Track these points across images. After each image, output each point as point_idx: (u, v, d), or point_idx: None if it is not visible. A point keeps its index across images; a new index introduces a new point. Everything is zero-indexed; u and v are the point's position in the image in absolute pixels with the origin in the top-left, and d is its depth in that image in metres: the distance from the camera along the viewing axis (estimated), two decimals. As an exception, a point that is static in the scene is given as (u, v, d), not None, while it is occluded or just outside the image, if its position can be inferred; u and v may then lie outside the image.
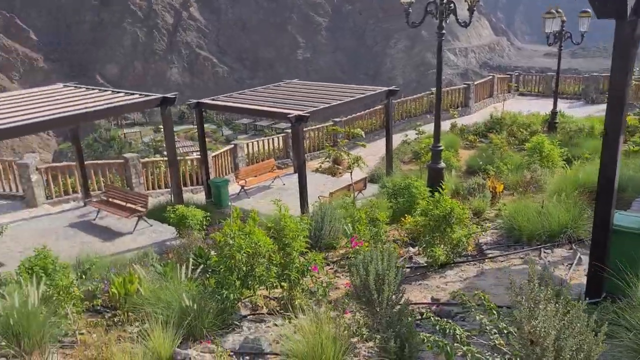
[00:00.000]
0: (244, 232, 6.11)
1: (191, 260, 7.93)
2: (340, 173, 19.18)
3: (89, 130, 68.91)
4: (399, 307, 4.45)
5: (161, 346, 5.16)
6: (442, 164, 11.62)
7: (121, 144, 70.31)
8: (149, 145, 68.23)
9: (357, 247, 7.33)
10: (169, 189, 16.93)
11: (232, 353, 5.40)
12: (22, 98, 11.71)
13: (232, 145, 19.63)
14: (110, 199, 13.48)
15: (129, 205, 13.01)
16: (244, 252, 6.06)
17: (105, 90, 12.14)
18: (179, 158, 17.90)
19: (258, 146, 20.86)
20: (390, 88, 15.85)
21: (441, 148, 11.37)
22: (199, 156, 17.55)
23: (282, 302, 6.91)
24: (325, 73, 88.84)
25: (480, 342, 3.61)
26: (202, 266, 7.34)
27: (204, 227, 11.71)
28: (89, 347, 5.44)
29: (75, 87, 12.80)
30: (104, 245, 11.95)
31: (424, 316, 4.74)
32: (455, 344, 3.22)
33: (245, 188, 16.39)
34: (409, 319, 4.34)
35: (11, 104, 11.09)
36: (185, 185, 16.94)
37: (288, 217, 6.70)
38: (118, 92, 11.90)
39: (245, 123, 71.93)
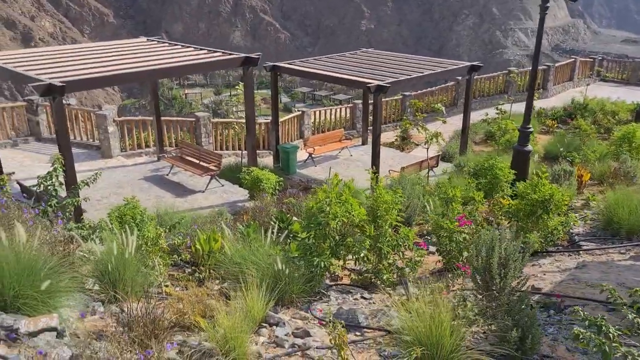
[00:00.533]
0: (340, 200, 5.88)
1: (273, 224, 7.84)
2: (408, 148, 18.72)
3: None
4: (518, 294, 4.13)
5: (255, 307, 5.05)
6: (529, 147, 11.00)
7: (182, 103, 71.65)
8: (208, 106, 69.15)
9: (443, 224, 6.96)
10: (236, 151, 17.01)
11: (324, 322, 5.25)
12: (111, 50, 11.82)
13: (300, 113, 19.45)
14: (184, 156, 13.61)
15: (202, 163, 13.09)
16: (339, 221, 5.84)
17: (188, 47, 12.09)
18: (238, 122, 17.93)
19: (325, 115, 20.63)
20: (474, 63, 15.13)
21: (531, 130, 10.74)
22: (267, 121, 17.51)
23: (366, 275, 6.72)
24: (388, 46, 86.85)
25: (632, 343, 3.27)
26: (286, 231, 7.22)
27: (276, 191, 11.64)
28: (182, 300, 5.40)
29: (158, 41, 12.82)
30: (177, 200, 12.09)
31: (570, 309, 4.42)
32: (613, 344, 2.89)
33: (313, 156, 16.22)
34: (532, 307, 4.02)
35: (102, 55, 11.21)
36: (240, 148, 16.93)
37: (382, 189, 6.43)
38: (201, 49, 11.82)
39: (304, 92, 71.64)
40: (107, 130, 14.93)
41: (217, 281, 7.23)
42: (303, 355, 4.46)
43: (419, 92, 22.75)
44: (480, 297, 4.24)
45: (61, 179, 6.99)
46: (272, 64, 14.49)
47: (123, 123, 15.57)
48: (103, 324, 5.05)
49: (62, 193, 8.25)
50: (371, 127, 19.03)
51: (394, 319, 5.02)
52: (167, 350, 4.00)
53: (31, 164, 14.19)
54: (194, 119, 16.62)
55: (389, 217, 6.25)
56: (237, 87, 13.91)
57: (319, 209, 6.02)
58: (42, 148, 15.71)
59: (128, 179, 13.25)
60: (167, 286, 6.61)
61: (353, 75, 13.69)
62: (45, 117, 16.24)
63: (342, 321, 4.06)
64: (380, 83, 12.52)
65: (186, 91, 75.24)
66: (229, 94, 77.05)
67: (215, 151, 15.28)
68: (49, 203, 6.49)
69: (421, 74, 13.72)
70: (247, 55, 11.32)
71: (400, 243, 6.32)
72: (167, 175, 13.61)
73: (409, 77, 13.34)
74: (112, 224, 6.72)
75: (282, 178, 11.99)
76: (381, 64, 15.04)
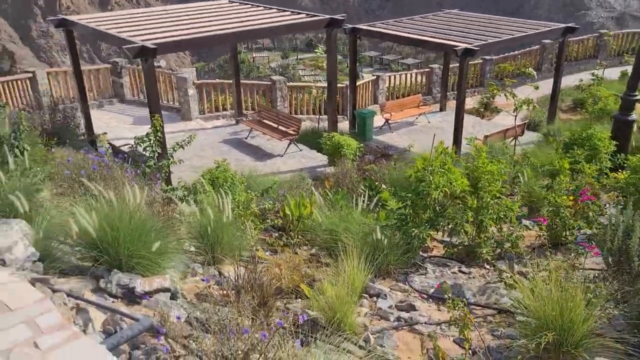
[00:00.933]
0: (443, 170, 5.59)
1: (361, 191, 7.67)
2: (488, 115, 17.91)
3: (219, 52, 71.17)
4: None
5: (356, 277, 4.93)
6: (633, 116, 10.13)
7: (250, 67, 72.16)
8: (275, 70, 69.33)
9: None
10: (310, 115, 16.87)
11: (426, 296, 5.07)
12: (196, 12, 11.82)
13: (375, 77, 18.97)
14: (262, 120, 13.61)
15: (280, 127, 13.05)
16: (440, 191, 5.57)
17: (271, 8, 11.89)
18: (317, 86, 17.68)
19: (400, 80, 20.03)
20: (569, 25, 14.04)
21: (637, 97, 9.86)
22: (341, 85, 17.20)
23: (460, 248, 6.45)
24: (461, 8, 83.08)
25: None
26: (376, 198, 7.03)
27: (357, 157, 11.43)
28: (279, 266, 5.36)
29: (240, 3, 12.70)
30: (256, 164, 12.14)
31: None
32: None
33: (390, 122, 15.82)
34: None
35: (187, 17, 11.23)
36: (325, 113, 16.75)
37: (485, 158, 6.06)
38: (285, 11, 11.60)
39: (371, 56, 70.21)
40: (187, 93, 15.15)
41: (305, 247, 7.20)
42: (411, 330, 4.31)
43: (500, 56, 21.59)
44: (611, 280, 3.89)
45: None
46: (351, 26, 14.06)
47: (202, 86, 15.75)
48: (203, 285, 5.10)
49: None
50: (450, 93, 18.37)
51: (503, 297, 4.76)
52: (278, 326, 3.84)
53: (117, 125, 14.68)
54: (270, 83, 16.58)
55: (492, 188, 5.90)
56: (316, 50, 13.62)
57: (419, 178, 5.76)
58: (125, 109, 16.22)
59: (208, 142, 13.43)
60: (257, 250, 6.65)
61: (437, 38, 13.06)
62: (128, 80, 16.69)
63: (463, 299, 3.84)
64: (468, 46, 11.87)
65: (254, 55, 75.66)
66: (295, 57, 76.88)
67: (294, 115, 15.19)
68: (148, 164, 6.60)
69: (511, 36, 12.88)
70: (333, 16, 10.98)
71: (502, 216, 5.98)
72: (246, 138, 13.69)
73: (498, 39, 12.56)
74: (206, 186, 6.77)
75: (362, 144, 11.75)
76: (466, 26, 14.26)
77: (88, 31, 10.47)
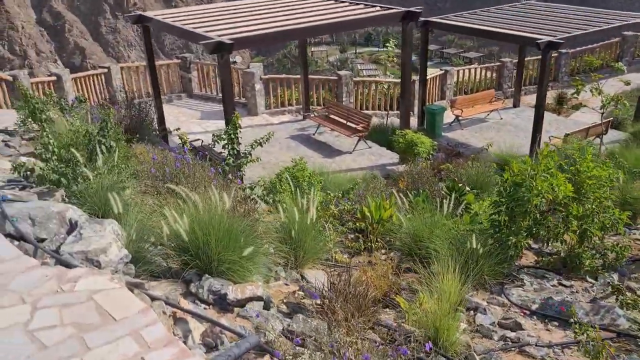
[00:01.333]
0: (548, 174, 5.14)
1: (445, 193, 7.29)
2: (565, 112, 16.95)
3: (277, 47, 71.46)
4: None
5: (451, 289, 4.59)
6: None
7: (308, 61, 72.15)
8: (333, 65, 69.02)
9: None
10: (375, 111, 16.49)
11: (528, 312, 4.67)
12: (266, 6, 11.71)
13: (443, 72, 18.34)
14: (331, 116, 13.38)
15: (349, 124, 12.77)
16: (543, 198, 5.13)
17: (342, 2, 11.61)
18: (387, 81, 17.26)
19: (468, 75, 19.31)
20: (662, 15, 12.98)
21: None
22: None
23: (556, 257, 5.97)
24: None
25: None
26: (464, 203, 6.64)
27: (430, 155, 11.01)
28: (365, 272, 5.10)
29: (311, -4, 12.48)
30: (325, 161, 11.93)
31: None
32: None
33: (460, 118, 15.23)
34: None
35: (259, 12, 11.13)
36: (391, 109, 16.35)
37: (590, 162, 5.55)
38: (357, 4, 11.28)
39: (432, 49, 68.64)
40: (254, 88, 15.13)
41: (383, 250, 6.91)
42: (520, 352, 3.94)
43: (577, 49, 20.40)
44: None
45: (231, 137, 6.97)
46: (424, 19, 13.56)
47: (269, 81, 15.69)
48: (287, 290, 4.91)
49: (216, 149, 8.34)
50: (524, 88, 17.51)
51: (620, 317, 4.30)
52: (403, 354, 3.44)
53: (185, 119, 14.85)
54: (335, 77, 16.33)
55: (598, 194, 5.40)
56: (387, 44, 13.25)
57: (517, 183, 5.33)
58: (193, 104, 16.42)
59: (276, 137, 13.29)
60: (335, 252, 6.41)
61: (516, 30, 12.37)
62: (197, 75, 16.87)
63: (596, 324, 3.44)
64: (552, 39, 11.15)
65: (312, 49, 75.62)
66: (354, 51, 76.27)
67: (364, 111, 14.88)
68: (227, 162, 6.50)
69: (598, 28, 12.03)
70: (409, 9, 10.56)
71: (609, 225, 5.46)
72: (314, 134, 13.51)
73: (584, 31, 11.75)
74: (291, 186, 6.56)
75: (435, 143, 11.30)
76: (545, 18, 13.47)
77: (163, 27, 10.56)
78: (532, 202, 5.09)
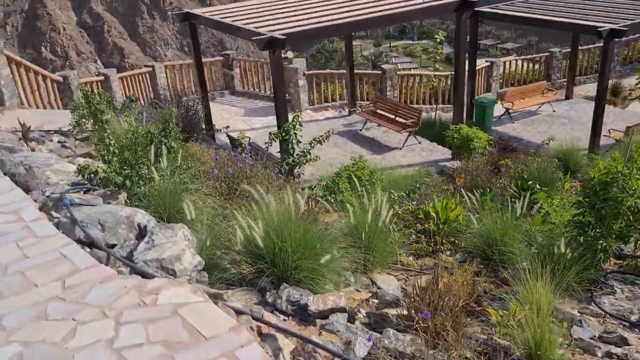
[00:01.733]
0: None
1: (514, 191, 6.89)
2: (622, 104, 16.16)
3: (312, 42, 71.14)
4: None
5: (542, 298, 4.23)
6: None
7: (342, 56, 71.71)
8: (368, 59, 68.34)
9: None
10: (420, 105, 16.05)
11: (627, 324, 4.28)
12: (310, 1, 11.42)
13: (488, 63, 17.76)
14: (378, 111, 13.04)
15: (398, 119, 12.41)
16: (638, 198, 4.71)
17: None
18: (435, 74, 16.79)
19: (515, 66, 18.66)
20: None
21: None
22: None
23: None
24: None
25: None
26: (539, 203, 6.23)
27: (486, 150, 10.56)
28: (441, 278, 4.78)
29: (358, -11, 12.11)
30: (374, 157, 11.61)
31: None
32: None
33: (511, 111, 14.66)
34: None
35: (303, 6, 10.85)
36: (437, 102, 15.88)
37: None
38: (407, -5, 10.87)
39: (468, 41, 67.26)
40: (298, 84, 14.90)
41: (448, 252, 6.58)
42: (631, 371, 3.57)
43: (630, 37, 19.44)
44: None
45: (293, 136, 6.75)
46: (474, 9, 13.04)
47: (312, 76, 15.44)
48: (359, 297, 4.65)
49: (273, 148, 8.11)
50: (578, 78, 16.78)
51: None
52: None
53: (229, 116, 14.75)
54: (379, 72, 15.97)
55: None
56: (435, 36, 12.80)
57: (606, 182, 4.91)
58: (236, 101, 16.32)
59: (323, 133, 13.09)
60: (400, 255, 6.12)
61: (574, 19, 11.76)
62: (239, 72, 16.76)
63: None
64: (614, 26, 10.53)
65: (346, 43, 74.85)
66: (388, 45, 75.41)
67: (413, 106, 14.49)
68: (287, 161, 6.27)
69: (664, 14, 11.30)
70: (464, -2, 10.13)
71: None
72: (361, 130, 13.21)
73: (649, 18, 11.06)
74: (357, 186, 6.28)
75: (491, 137, 10.84)
76: (603, 4, 12.78)
77: (210, 24, 10.42)
78: (626, 203, 4.68)
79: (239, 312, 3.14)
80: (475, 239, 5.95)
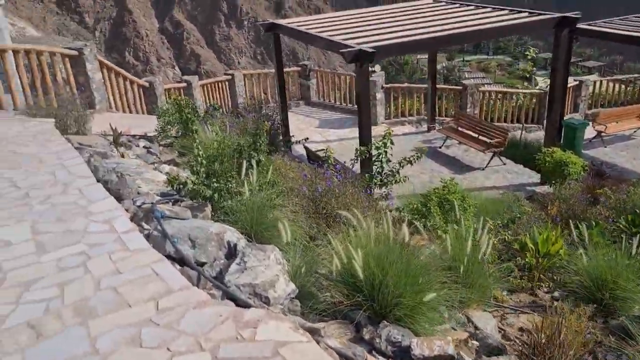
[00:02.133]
0: None
1: (623, 227, 6.22)
2: None
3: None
4: None
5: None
6: None
7: (413, 69, 70.78)
8: (440, 73, 66.97)
9: None
10: (501, 124, 15.29)
11: None
12: (400, 13, 11.12)
13: (577, 82, 16.72)
14: (460, 128, 12.49)
15: (481, 137, 11.81)
16: None
17: (484, 7, 10.70)
18: (523, 91, 15.98)
19: (606, 86, 17.48)
20: None
21: None
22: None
23: None
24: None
25: None
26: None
27: (580, 177, 9.78)
28: (551, 325, 4.27)
29: (446, 2, 11.71)
30: (455, 177, 11.03)
31: None
32: None
33: (603, 135, 13.65)
34: None
35: (388, 19, 10.56)
36: (519, 121, 15.07)
37: None
38: (501, 9, 10.34)
39: (546, 58, 64.45)
40: (375, 97, 14.57)
41: (546, 289, 6.02)
42: None
43: None
44: None
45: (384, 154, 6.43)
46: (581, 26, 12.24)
47: (390, 90, 15.09)
48: (457, 337, 4.21)
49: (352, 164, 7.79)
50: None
51: None
52: None
53: (305, 127, 14.63)
54: (460, 87, 15.38)
55: None
56: (527, 52, 12.09)
57: None
58: (311, 112, 16.22)
59: (401, 149, 12.62)
60: (494, 289, 5.63)
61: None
62: (315, 82, 16.67)
63: None
64: None
65: (418, 56, 73.95)
66: (461, 59, 73.73)
67: (500, 124, 13.82)
68: (375, 180, 5.96)
69: None
70: (564, 15, 9.46)
71: None
72: (440, 148, 12.69)
73: None
74: (457, 212, 5.88)
75: (586, 163, 10.05)
76: None
77: (295, 34, 10.32)
78: None
79: (340, 355, 2.84)
80: (582, 278, 5.40)
